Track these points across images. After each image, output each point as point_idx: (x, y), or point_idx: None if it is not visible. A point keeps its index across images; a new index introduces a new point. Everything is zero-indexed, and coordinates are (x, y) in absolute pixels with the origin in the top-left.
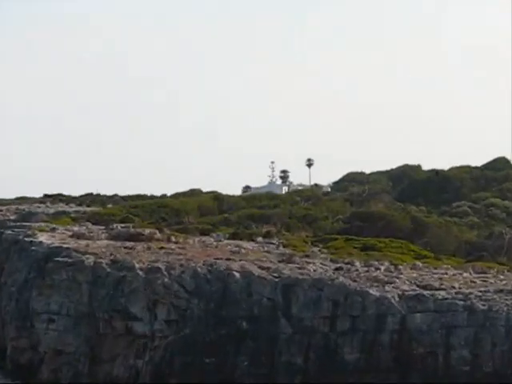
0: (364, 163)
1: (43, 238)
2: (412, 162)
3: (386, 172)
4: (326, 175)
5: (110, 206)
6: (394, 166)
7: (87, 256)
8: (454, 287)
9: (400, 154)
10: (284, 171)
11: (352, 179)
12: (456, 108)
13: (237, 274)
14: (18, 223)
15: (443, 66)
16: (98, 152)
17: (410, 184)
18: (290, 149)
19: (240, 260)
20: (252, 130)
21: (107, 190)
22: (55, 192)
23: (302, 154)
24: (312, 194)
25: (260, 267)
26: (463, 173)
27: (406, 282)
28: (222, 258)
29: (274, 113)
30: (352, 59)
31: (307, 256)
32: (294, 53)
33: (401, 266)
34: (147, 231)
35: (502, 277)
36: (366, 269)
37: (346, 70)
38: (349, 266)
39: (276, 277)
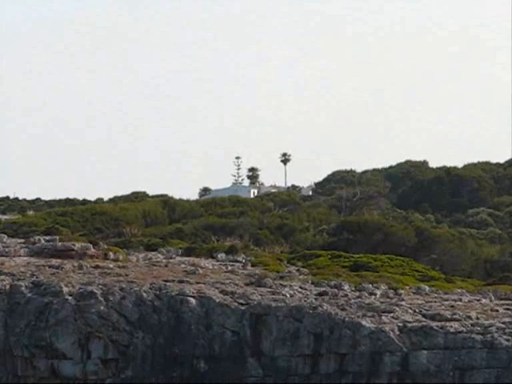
0: (354, 160)
1: None
2: (416, 157)
3: (383, 170)
4: (306, 174)
5: (31, 213)
6: (393, 163)
7: (2, 277)
8: (469, 317)
9: (401, 149)
10: (252, 169)
11: (339, 179)
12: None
13: (192, 301)
14: None
15: (443, 65)
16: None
17: (414, 185)
18: (261, 143)
19: (196, 283)
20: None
21: (38, 194)
22: None
23: (276, 149)
24: (288, 198)
25: (222, 292)
26: (481, 171)
27: (409, 310)
28: (173, 281)
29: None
30: (352, 59)
31: (282, 277)
32: (294, 52)
33: (402, 291)
34: (78, 245)
35: None
36: (357, 294)
37: (346, 70)
38: (335, 290)
39: (242, 304)
